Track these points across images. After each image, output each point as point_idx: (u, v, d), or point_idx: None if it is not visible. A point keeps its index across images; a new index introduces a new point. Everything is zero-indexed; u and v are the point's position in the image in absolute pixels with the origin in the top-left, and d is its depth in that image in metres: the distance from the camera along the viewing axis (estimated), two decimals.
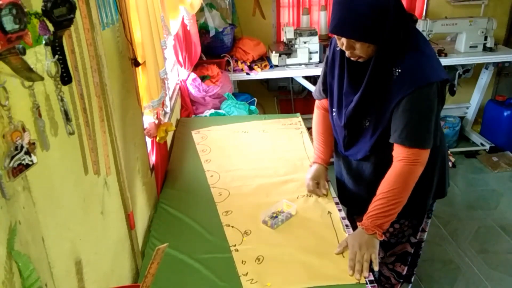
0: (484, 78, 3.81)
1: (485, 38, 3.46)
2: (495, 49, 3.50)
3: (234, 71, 3.24)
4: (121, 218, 1.31)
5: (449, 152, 3.62)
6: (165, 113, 2.08)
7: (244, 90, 3.49)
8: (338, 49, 1.51)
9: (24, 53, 0.64)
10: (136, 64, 1.49)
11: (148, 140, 1.75)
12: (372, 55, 1.39)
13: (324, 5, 3.63)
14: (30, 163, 0.73)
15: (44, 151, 0.81)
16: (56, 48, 0.81)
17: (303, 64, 3.29)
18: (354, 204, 1.80)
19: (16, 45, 0.62)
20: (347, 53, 1.43)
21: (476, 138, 3.96)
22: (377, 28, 1.32)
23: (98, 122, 1.09)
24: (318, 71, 2.71)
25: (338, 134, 1.68)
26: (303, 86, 3.44)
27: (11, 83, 0.71)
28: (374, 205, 1.44)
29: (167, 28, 1.92)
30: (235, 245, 1.47)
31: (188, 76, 2.93)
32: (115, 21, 1.28)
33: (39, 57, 0.81)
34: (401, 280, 1.87)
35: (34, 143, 0.74)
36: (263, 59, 3.39)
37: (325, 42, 3.21)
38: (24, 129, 0.72)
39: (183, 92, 2.88)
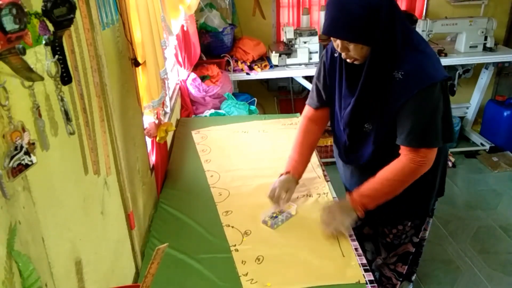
0: (484, 78, 3.81)
1: (485, 38, 3.46)
2: (495, 49, 3.50)
3: (234, 71, 3.24)
4: (121, 218, 1.31)
5: (449, 152, 3.62)
6: (165, 113, 2.08)
7: (244, 90, 3.49)
8: (337, 53, 1.50)
9: (24, 53, 0.64)
10: (136, 64, 1.49)
11: (148, 140, 1.75)
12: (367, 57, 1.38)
13: (324, 5, 3.63)
14: (29, 163, 0.73)
15: (44, 151, 0.81)
16: (56, 48, 0.81)
17: (303, 64, 3.29)
18: (368, 217, 1.79)
19: (16, 45, 0.62)
20: (342, 55, 1.42)
21: (476, 138, 3.96)
22: (369, 29, 1.30)
23: (98, 122, 1.09)
24: None
25: (338, 139, 1.66)
26: (303, 86, 3.44)
27: (11, 83, 0.71)
28: (369, 187, 1.47)
29: (168, 28, 1.92)
30: (235, 245, 1.47)
31: (188, 76, 2.93)
32: (115, 21, 1.28)
33: (39, 57, 0.81)
34: (401, 279, 1.87)
35: (34, 143, 0.74)
36: (263, 59, 3.39)
37: (325, 42, 3.20)
38: (24, 129, 0.72)
39: (183, 92, 2.88)
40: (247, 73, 3.24)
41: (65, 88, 0.90)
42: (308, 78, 3.39)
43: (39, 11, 0.77)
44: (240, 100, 3.05)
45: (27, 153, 0.72)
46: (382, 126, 1.45)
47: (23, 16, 0.62)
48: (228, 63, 3.26)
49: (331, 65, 1.56)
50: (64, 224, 0.91)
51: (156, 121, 1.71)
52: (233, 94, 3.09)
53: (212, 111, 2.84)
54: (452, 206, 3.09)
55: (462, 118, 4.03)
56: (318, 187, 1.80)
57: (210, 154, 2.13)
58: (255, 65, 3.28)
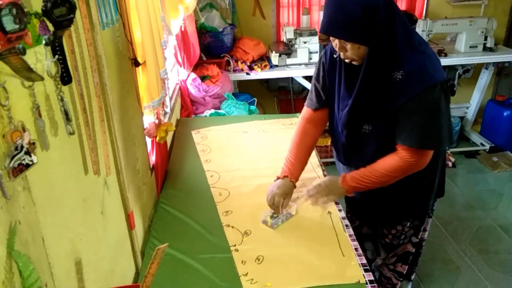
0: (484, 78, 3.81)
1: (485, 38, 3.46)
2: (495, 49, 3.50)
3: (234, 71, 3.24)
4: (121, 218, 1.31)
5: (448, 152, 3.62)
6: (165, 113, 2.08)
7: (244, 90, 3.49)
8: (337, 54, 1.49)
9: (24, 53, 0.64)
10: (136, 64, 1.49)
11: (148, 140, 1.75)
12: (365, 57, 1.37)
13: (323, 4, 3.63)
14: (30, 163, 0.73)
15: (44, 151, 0.81)
16: (56, 48, 0.81)
17: (303, 64, 3.29)
18: (366, 217, 1.79)
19: (16, 45, 0.62)
20: (341, 55, 1.42)
21: (476, 138, 3.96)
22: (367, 29, 1.30)
23: (98, 122, 1.09)
24: None
25: (337, 141, 1.66)
26: (303, 86, 3.44)
27: (11, 83, 0.71)
28: (363, 173, 1.50)
29: (168, 28, 1.92)
30: (235, 245, 1.47)
31: (188, 76, 2.93)
32: (115, 21, 1.28)
33: (39, 57, 0.81)
34: (401, 279, 1.87)
35: (34, 143, 0.74)
36: (263, 59, 3.39)
37: (325, 42, 3.20)
38: (24, 129, 0.72)
39: (183, 92, 2.88)
40: (247, 73, 3.24)
41: (65, 88, 0.90)
42: (308, 78, 3.39)
43: (39, 11, 0.77)
44: (240, 100, 3.05)
45: (28, 153, 0.72)
46: (382, 127, 1.45)
47: (23, 16, 0.62)
48: (228, 63, 3.26)
49: (330, 66, 1.56)
50: (64, 224, 0.91)
51: (156, 121, 1.71)
52: (233, 94, 3.09)
53: (212, 111, 2.84)
54: (452, 206, 3.09)
55: (462, 118, 4.04)
56: None
57: (210, 154, 2.13)
58: (255, 65, 3.28)
